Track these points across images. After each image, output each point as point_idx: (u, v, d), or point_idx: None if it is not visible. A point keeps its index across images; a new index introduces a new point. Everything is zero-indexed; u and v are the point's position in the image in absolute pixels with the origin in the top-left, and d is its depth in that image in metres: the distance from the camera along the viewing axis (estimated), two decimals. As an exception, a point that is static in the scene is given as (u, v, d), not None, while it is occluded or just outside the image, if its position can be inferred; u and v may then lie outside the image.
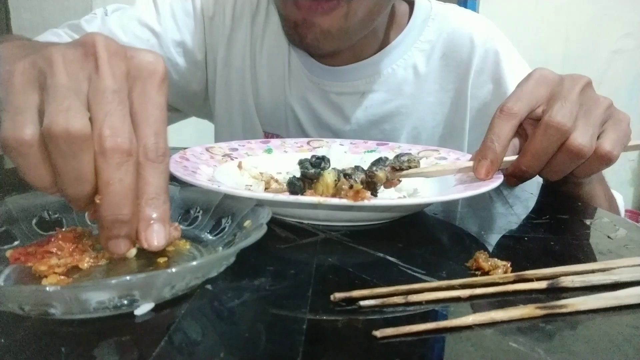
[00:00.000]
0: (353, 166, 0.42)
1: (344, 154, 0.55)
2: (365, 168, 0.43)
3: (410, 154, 0.43)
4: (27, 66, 0.28)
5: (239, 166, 0.51)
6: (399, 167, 0.42)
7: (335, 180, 0.40)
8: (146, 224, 0.28)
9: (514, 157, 0.43)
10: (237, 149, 0.55)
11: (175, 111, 0.81)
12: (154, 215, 0.28)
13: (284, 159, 0.55)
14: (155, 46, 0.69)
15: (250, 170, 0.51)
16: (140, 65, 0.29)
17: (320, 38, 0.58)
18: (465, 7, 0.99)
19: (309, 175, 0.41)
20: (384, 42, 0.69)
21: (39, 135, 0.27)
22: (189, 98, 0.78)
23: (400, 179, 0.43)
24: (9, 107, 0.27)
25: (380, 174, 0.41)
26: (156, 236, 0.28)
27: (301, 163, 0.42)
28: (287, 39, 0.68)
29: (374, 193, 0.42)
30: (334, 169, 0.41)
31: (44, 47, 0.28)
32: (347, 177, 0.40)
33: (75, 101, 0.26)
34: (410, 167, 0.42)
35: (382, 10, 0.62)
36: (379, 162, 0.43)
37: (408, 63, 0.70)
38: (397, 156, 0.43)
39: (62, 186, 0.28)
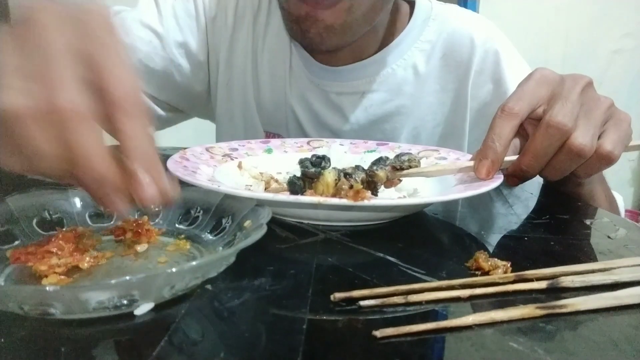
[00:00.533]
0: (353, 166, 0.42)
1: (344, 154, 0.55)
2: (366, 168, 0.43)
3: (410, 153, 0.43)
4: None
5: (239, 166, 0.51)
6: (400, 167, 0.42)
7: (336, 179, 0.40)
8: (137, 181, 0.26)
9: (515, 157, 0.43)
10: (237, 149, 0.55)
11: (179, 112, 0.81)
12: (141, 166, 0.26)
13: (284, 159, 0.55)
14: (157, 47, 0.69)
15: (250, 170, 0.51)
16: (86, 17, 0.27)
17: (324, 33, 0.58)
18: (465, 7, 0.99)
19: (309, 174, 0.41)
20: (384, 42, 0.69)
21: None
22: (192, 99, 0.78)
23: (401, 178, 0.43)
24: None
25: (381, 173, 0.41)
26: (147, 189, 0.26)
27: (301, 162, 0.42)
28: (289, 34, 0.67)
29: (374, 193, 0.42)
30: (334, 168, 0.41)
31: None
32: (347, 176, 0.40)
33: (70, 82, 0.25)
34: (410, 167, 0.42)
35: (385, 5, 0.62)
36: (379, 161, 0.43)
37: (408, 63, 0.70)
38: (398, 156, 0.43)
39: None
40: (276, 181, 0.50)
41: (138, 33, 0.69)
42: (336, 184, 0.40)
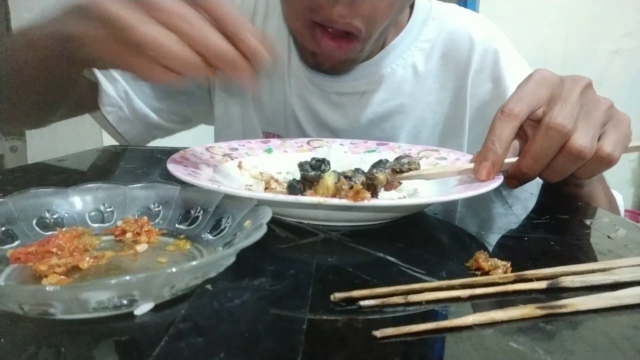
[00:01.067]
0: (353, 169, 0.42)
1: (344, 154, 0.55)
2: (366, 169, 0.43)
3: (410, 156, 0.43)
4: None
5: (239, 166, 0.51)
6: (400, 170, 0.42)
7: (336, 182, 0.40)
8: (245, 39, 0.36)
9: (514, 159, 0.43)
10: (237, 149, 0.55)
11: (182, 122, 0.81)
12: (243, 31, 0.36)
13: (284, 158, 0.55)
14: None
15: (250, 170, 0.51)
16: None
17: (338, 66, 0.64)
18: (465, 7, 0.99)
19: (309, 177, 0.41)
20: (384, 42, 0.69)
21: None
22: (195, 104, 0.79)
23: (401, 181, 0.43)
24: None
25: (381, 176, 0.41)
26: (254, 44, 0.36)
27: (301, 166, 0.42)
28: (302, 60, 0.69)
29: (375, 195, 0.42)
30: (334, 171, 0.41)
31: None
32: (347, 179, 0.40)
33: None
34: (410, 170, 0.42)
35: (395, 21, 0.64)
36: (379, 164, 0.43)
37: (407, 62, 0.70)
38: (397, 158, 0.43)
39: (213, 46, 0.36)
40: (276, 181, 0.50)
41: None
42: (336, 187, 0.40)
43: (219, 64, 0.36)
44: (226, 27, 0.36)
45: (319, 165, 0.41)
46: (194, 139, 0.83)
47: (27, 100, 0.57)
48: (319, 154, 0.55)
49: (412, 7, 0.71)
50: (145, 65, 0.37)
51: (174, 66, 0.36)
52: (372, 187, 0.41)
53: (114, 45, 0.37)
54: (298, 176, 0.43)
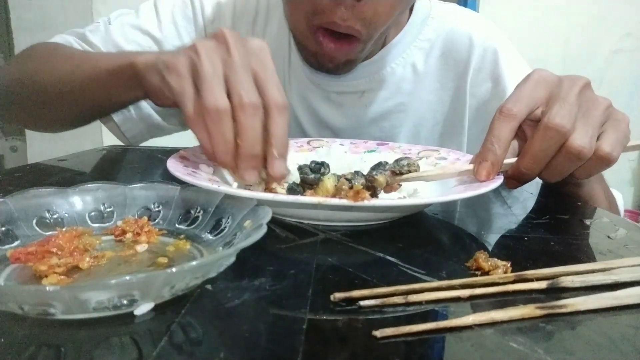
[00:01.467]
0: (353, 171, 0.42)
1: (344, 154, 0.55)
2: (366, 169, 0.43)
3: (409, 158, 0.43)
4: (183, 60, 0.41)
5: None
6: (399, 171, 0.42)
7: (335, 185, 0.40)
8: (273, 158, 0.40)
9: (514, 160, 0.43)
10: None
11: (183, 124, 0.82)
12: (278, 152, 0.40)
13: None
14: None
15: None
16: (253, 45, 0.42)
17: (340, 66, 0.63)
18: (465, 7, 0.99)
19: (309, 180, 0.41)
20: (384, 41, 0.69)
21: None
22: None
23: (401, 183, 0.43)
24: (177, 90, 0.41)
25: (381, 178, 0.41)
26: (279, 168, 0.40)
27: (300, 169, 0.42)
28: (304, 60, 0.70)
29: (375, 197, 0.42)
30: (333, 174, 0.41)
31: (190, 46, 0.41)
32: (347, 181, 0.40)
33: (217, 84, 0.39)
34: (410, 171, 0.42)
35: (387, 31, 0.64)
36: (378, 166, 0.43)
37: (407, 61, 0.70)
38: (397, 160, 0.43)
39: (213, 146, 0.39)
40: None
41: (138, 40, 0.70)
42: (336, 187, 0.40)
43: (242, 159, 0.40)
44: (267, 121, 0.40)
45: (319, 168, 0.41)
46: (194, 138, 0.83)
47: (76, 111, 0.62)
48: (319, 153, 0.55)
49: (412, 6, 0.71)
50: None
51: (212, 152, 0.40)
52: (371, 189, 0.41)
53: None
54: (297, 177, 0.43)
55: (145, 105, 0.72)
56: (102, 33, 0.70)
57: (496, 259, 0.32)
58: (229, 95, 0.39)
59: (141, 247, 0.33)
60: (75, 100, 0.59)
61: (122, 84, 0.52)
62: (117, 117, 0.71)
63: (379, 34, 0.61)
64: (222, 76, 0.39)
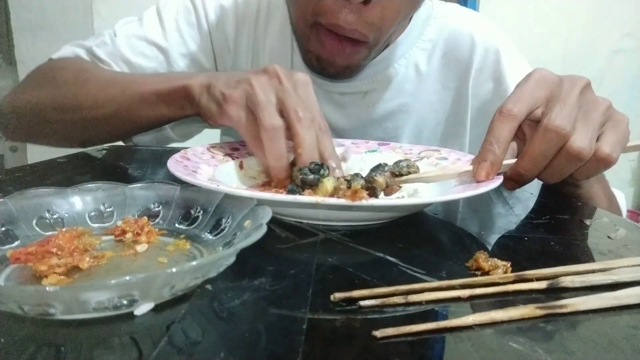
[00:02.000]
0: (352, 174, 0.42)
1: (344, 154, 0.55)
2: (367, 169, 0.43)
3: (409, 159, 0.43)
4: (240, 93, 0.46)
5: (240, 166, 0.51)
6: (399, 173, 0.42)
7: (334, 186, 0.40)
8: (331, 169, 0.44)
9: (513, 161, 0.43)
10: (238, 149, 0.55)
11: (193, 135, 0.82)
12: (335, 164, 0.46)
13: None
14: (163, 62, 0.70)
15: (252, 169, 0.51)
16: (299, 79, 0.48)
17: (342, 71, 0.63)
18: (466, 7, 0.99)
19: (308, 181, 0.41)
20: (387, 42, 0.69)
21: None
22: (207, 127, 0.79)
23: (400, 184, 0.43)
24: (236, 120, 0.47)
25: (380, 179, 0.41)
26: (338, 175, 0.44)
27: (300, 170, 0.42)
28: (306, 65, 0.69)
29: (374, 198, 0.42)
30: (333, 177, 0.41)
31: (243, 76, 0.47)
32: (346, 182, 0.40)
33: (272, 108, 0.45)
34: (409, 173, 0.42)
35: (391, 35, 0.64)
36: (378, 168, 0.43)
37: (410, 62, 0.70)
38: (397, 162, 0.43)
39: (270, 162, 0.45)
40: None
41: (143, 51, 0.70)
42: (335, 188, 0.40)
43: (275, 174, 0.45)
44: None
45: (318, 169, 0.41)
46: (195, 138, 0.83)
47: (120, 131, 0.64)
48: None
49: None
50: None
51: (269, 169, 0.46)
52: (371, 190, 0.41)
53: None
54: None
55: None
56: (109, 47, 0.70)
57: (496, 259, 0.32)
58: (283, 116, 0.45)
59: (141, 247, 0.33)
60: (123, 122, 0.61)
61: (174, 105, 0.55)
62: None
63: (385, 39, 0.60)
64: (276, 102, 0.45)
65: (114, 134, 0.65)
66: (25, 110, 0.67)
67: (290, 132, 0.45)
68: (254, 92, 0.45)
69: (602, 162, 0.42)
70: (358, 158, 0.54)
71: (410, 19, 0.70)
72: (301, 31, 0.61)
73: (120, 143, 0.75)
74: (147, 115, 0.58)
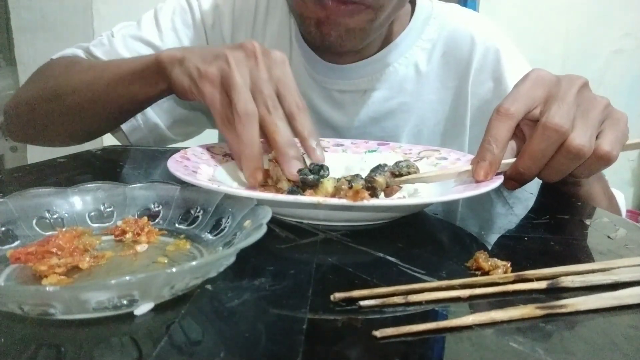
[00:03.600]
0: (352, 174, 0.42)
1: (344, 154, 0.55)
2: (366, 169, 0.43)
3: (408, 160, 0.43)
4: (215, 70, 0.45)
5: None
6: (398, 173, 0.42)
7: (335, 186, 0.40)
8: (312, 149, 0.45)
9: (512, 160, 0.43)
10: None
11: (192, 135, 0.82)
12: (316, 142, 0.46)
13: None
14: None
15: None
16: (276, 57, 0.47)
17: (344, 36, 0.59)
18: (466, 7, 0.99)
19: (308, 181, 0.41)
20: (386, 41, 0.69)
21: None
22: (204, 109, 0.78)
23: (400, 185, 0.43)
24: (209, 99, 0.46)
25: (380, 179, 0.41)
26: (320, 155, 0.45)
27: (300, 170, 0.42)
28: (306, 37, 0.68)
29: (375, 198, 0.42)
30: (333, 177, 0.41)
31: (219, 52, 0.46)
32: (346, 182, 0.40)
33: (247, 93, 0.44)
34: (409, 173, 0.42)
35: (399, 10, 0.63)
36: (377, 168, 0.43)
37: (410, 61, 0.70)
38: (396, 163, 0.43)
39: (241, 147, 0.43)
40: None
41: (139, 50, 0.70)
42: (335, 188, 0.40)
43: (282, 152, 0.43)
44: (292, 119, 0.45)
45: (318, 169, 0.41)
46: (195, 138, 0.83)
47: (102, 116, 0.64)
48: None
49: (413, 6, 0.71)
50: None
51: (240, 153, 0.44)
52: (371, 190, 0.41)
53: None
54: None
55: (153, 115, 0.72)
56: (105, 47, 0.70)
57: (496, 259, 0.32)
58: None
59: (141, 247, 0.33)
60: (102, 106, 0.60)
61: (147, 81, 0.54)
62: (125, 126, 0.71)
63: (390, 6, 0.58)
64: (250, 85, 0.44)
65: (97, 121, 0.65)
66: (21, 108, 0.69)
67: (261, 120, 0.44)
68: (230, 71, 0.44)
69: (602, 160, 0.42)
70: (358, 158, 0.54)
71: (411, 17, 0.70)
72: None
73: (118, 143, 0.75)
74: (123, 94, 0.57)
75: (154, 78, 0.53)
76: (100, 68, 0.61)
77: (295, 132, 0.45)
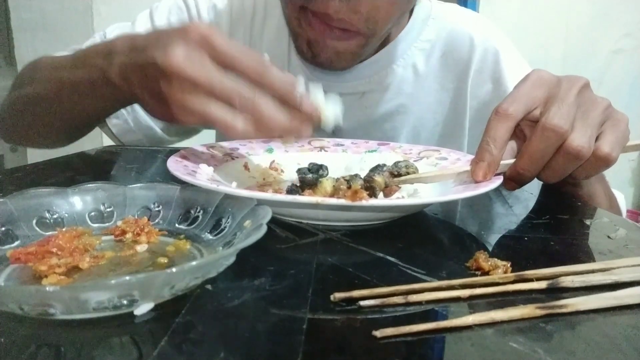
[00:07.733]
0: (351, 175, 0.42)
1: (344, 154, 0.56)
2: (366, 169, 0.43)
3: (407, 160, 0.43)
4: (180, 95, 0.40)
5: (245, 167, 0.51)
6: (397, 173, 0.42)
7: (334, 186, 0.40)
8: (297, 98, 0.42)
9: (512, 161, 0.43)
10: (238, 148, 0.55)
11: (188, 135, 0.82)
12: (296, 90, 0.42)
13: (285, 158, 0.55)
14: None
15: (256, 169, 0.52)
16: (206, 35, 0.41)
17: (334, 58, 0.60)
18: (465, 7, 0.99)
19: (308, 181, 0.41)
20: (384, 42, 0.69)
21: None
22: (200, 126, 0.79)
23: (399, 185, 0.43)
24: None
25: (379, 179, 0.41)
26: (308, 105, 0.42)
27: (299, 171, 0.42)
28: (298, 53, 0.68)
29: (374, 198, 0.42)
30: (332, 177, 0.41)
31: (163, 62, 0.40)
32: (345, 182, 0.40)
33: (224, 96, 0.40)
34: (408, 173, 0.42)
35: (391, 28, 0.63)
36: (376, 168, 0.43)
37: (408, 62, 0.70)
38: (395, 163, 0.43)
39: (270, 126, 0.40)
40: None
41: None
42: (334, 188, 0.40)
43: (273, 132, 0.40)
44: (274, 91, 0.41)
45: (317, 169, 0.41)
46: (195, 138, 0.83)
47: (66, 118, 0.61)
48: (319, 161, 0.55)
49: (412, 7, 0.71)
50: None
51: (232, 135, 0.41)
52: (370, 190, 0.41)
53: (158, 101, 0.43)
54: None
55: (146, 119, 0.71)
56: None
57: (496, 259, 0.32)
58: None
59: (141, 247, 0.33)
60: (62, 118, 0.59)
61: (101, 97, 0.51)
62: (115, 129, 0.71)
63: (384, 31, 0.59)
64: (208, 87, 0.40)
65: (63, 124, 0.62)
66: (4, 112, 0.69)
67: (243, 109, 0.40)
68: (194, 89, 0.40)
69: (602, 161, 0.42)
70: (358, 158, 0.54)
71: (410, 17, 0.70)
72: (290, 15, 0.60)
73: (114, 143, 0.75)
74: (77, 109, 0.56)
75: (107, 94, 0.50)
76: (51, 69, 0.59)
77: (272, 93, 0.41)
